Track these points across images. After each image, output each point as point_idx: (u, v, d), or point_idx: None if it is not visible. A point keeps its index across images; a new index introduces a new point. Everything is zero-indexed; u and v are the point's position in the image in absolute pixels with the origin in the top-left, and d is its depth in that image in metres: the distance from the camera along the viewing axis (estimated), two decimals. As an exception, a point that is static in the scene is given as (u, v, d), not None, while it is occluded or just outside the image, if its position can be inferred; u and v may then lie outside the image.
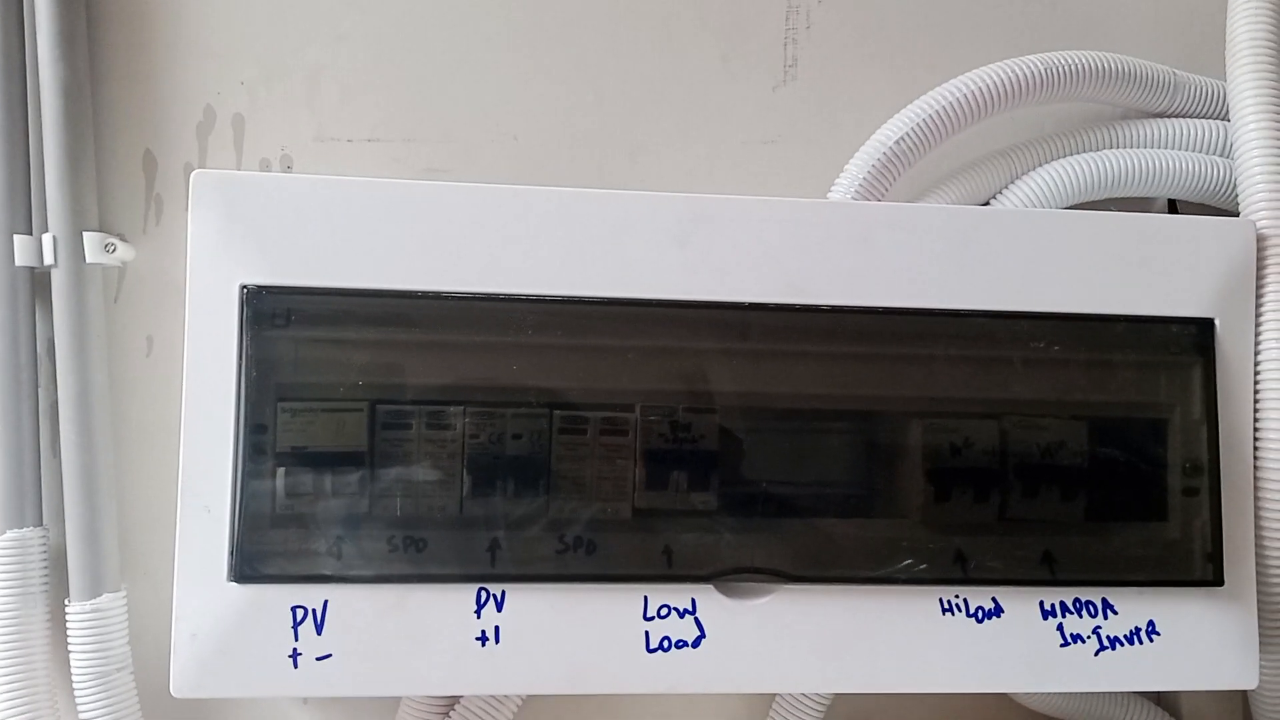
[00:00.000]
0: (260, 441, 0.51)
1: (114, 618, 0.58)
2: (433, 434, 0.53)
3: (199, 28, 0.63)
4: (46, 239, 0.58)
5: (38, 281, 0.59)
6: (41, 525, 0.59)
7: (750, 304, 0.55)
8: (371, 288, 0.52)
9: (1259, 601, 0.57)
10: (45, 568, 0.58)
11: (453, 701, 0.59)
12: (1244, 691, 0.63)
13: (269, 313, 0.52)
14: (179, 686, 0.51)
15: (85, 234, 0.58)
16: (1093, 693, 0.63)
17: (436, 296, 0.53)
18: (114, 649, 0.58)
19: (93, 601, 0.57)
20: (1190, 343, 0.57)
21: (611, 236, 0.54)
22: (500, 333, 0.54)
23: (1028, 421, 0.56)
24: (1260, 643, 0.57)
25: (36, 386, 0.59)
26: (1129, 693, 0.64)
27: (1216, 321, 0.57)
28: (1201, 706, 0.66)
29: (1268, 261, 0.58)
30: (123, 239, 0.61)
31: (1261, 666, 0.58)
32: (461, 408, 0.53)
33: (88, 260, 0.58)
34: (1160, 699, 0.67)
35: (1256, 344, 0.58)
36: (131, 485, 0.61)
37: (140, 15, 0.62)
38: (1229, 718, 0.66)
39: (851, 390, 0.56)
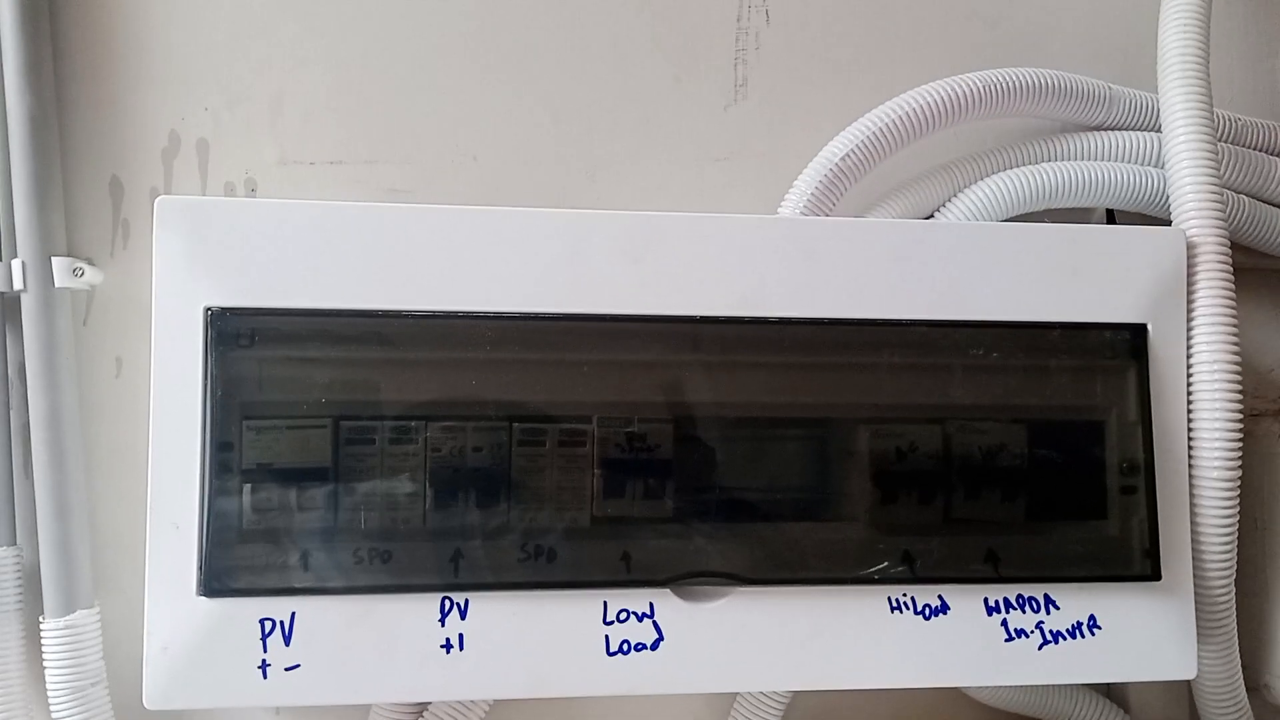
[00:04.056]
0: (226, 459, 0.53)
1: (88, 633, 0.59)
2: (396, 449, 0.54)
3: (162, 55, 0.64)
4: (16, 264, 0.59)
5: (8, 306, 0.61)
6: (15, 545, 0.60)
7: (702, 317, 0.57)
8: (334, 308, 0.54)
9: (1196, 595, 0.59)
10: (20, 586, 0.60)
11: (421, 708, 0.61)
12: (1188, 683, 0.65)
13: (233, 333, 0.53)
14: (151, 698, 0.52)
15: (54, 259, 0.60)
16: (1042, 686, 0.65)
17: (397, 315, 0.54)
18: (88, 664, 0.59)
19: (67, 618, 0.59)
20: (1124, 347, 0.60)
21: (568, 254, 0.56)
22: (460, 349, 0.55)
23: (970, 426, 0.58)
24: (1199, 634, 0.59)
25: (8, 409, 0.61)
26: (1078, 686, 0.67)
27: (1149, 326, 0.60)
28: (1149, 698, 0.68)
29: (1197, 268, 0.61)
30: (91, 263, 0.62)
31: (1201, 657, 0.60)
32: (423, 422, 0.55)
33: (56, 284, 0.60)
34: (1110, 691, 0.69)
35: (1189, 347, 0.60)
36: (103, 504, 0.62)
37: (104, 44, 0.64)
38: (1175, 709, 0.68)
39: (801, 399, 0.58)
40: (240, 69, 0.65)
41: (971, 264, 0.59)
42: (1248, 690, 0.64)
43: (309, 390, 0.54)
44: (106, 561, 0.62)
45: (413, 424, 0.54)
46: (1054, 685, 0.66)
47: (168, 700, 0.52)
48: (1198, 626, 0.59)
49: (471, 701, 0.60)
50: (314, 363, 0.54)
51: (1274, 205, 0.69)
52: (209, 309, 0.53)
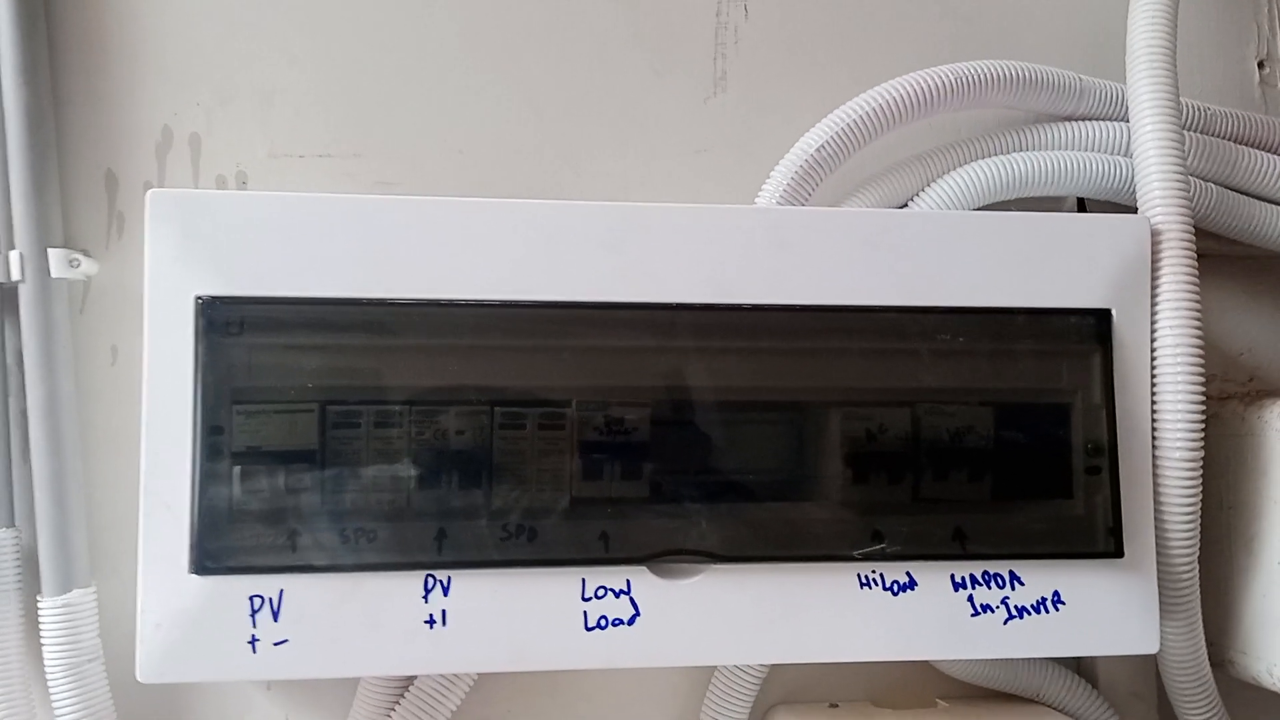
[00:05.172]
0: (217, 442, 0.55)
1: (84, 612, 0.61)
2: (380, 432, 0.56)
3: (155, 52, 0.66)
4: (14, 256, 0.61)
5: (6, 296, 0.62)
6: (14, 526, 0.62)
7: (677, 304, 0.58)
8: (320, 296, 0.56)
9: (1159, 572, 0.61)
10: (18, 566, 0.61)
11: (408, 682, 0.62)
12: (1155, 658, 0.66)
13: (223, 321, 0.55)
14: (145, 673, 0.54)
15: (50, 250, 0.62)
16: (1010, 660, 0.67)
17: (382, 304, 0.56)
18: (84, 641, 0.61)
19: (63, 597, 0.61)
20: (1089, 332, 0.61)
21: (548, 244, 0.58)
22: (443, 336, 0.57)
23: (939, 409, 0.60)
24: (1162, 610, 0.61)
25: (7, 395, 0.62)
26: (1046, 660, 0.68)
27: (1114, 312, 0.61)
28: (1116, 673, 0.70)
29: (1162, 255, 0.62)
30: (87, 254, 0.64)
31: (1166, 633, 0.62)
32: (408, 407, 0.56)
33: (53, 275, 0.62)
34: (1079, 666, 0.71)
35: (1153, 332, 0.62)
36: (99, 487, 0.64)
37: (99, 41, 0.66)
38: (1143, 684, 0.70)
39: (773, 383, 0.60)
40: (231, 65, 0.67)
41: (941, 251, 0.60)
42: (1212, 665, 0.66)
43: (296, 376, 0.56)
44: (102, 542, 0.64)
45: (397, 408, 0.56)
46: (1022, 660, 0.67)
47: (161, 674, 0.54)
48: (1161, 602, 0.61)
49: (456, 676, 0.62)
50: (301, 349, 0.56)
51: (1243, 193, 0.71)
52: (199, 298, 0.55)
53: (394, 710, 0.62)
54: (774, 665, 0.67)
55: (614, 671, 0.67)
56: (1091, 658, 0.70)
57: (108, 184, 0.66)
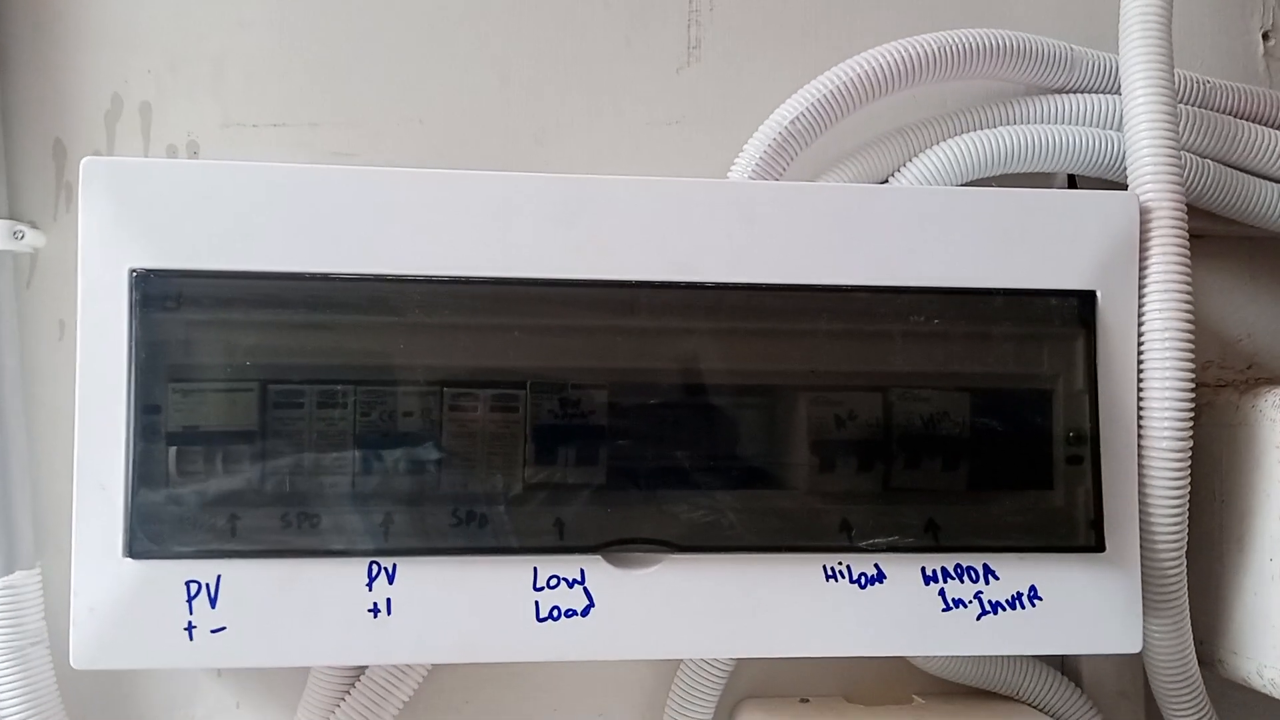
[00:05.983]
0: (153, 422, 0.53)
1: (28, 594, 0.60)
2: (324, 413, 0.54)
3: (104, 17, 0.64)
4: (-45, 227, 0.59)
5: (-52, 269, 0.60)
6: (-44, 506, 0.60)
7: (636, 282, 0.56)
8: (261, 270, 0.53)
9: (1145, 568, 0.58)
10: (-39, 547, 0.60)
11: (360, 671, 0.61)
12: (1141, 656, 0.64)
13: (158, 296, 0.53)
14: (78, 659, 0.52)
15: (-6, 222, 0.60)
16: (989, 657, 0.65)
17: (325, 278, 0.54)
18: (28, 624, 0.59)
19: (6, 579, 0.59)
20: (1072, 315, 0.58)
21: (502, 217, 0.55)
22: (391, 313, 0.55)
23: (913, 394, 0.57)
24: (1148, 608, 0.58)
25: (-50, 372, 0.61)
26: (1028, 658, 0.66)
27: (1099, 294, 0.58)
28: (1102, 672, 0.67)
29: (1151, 234, 0.59)
30: (34, 226, 0.62)
31: (1151, 631, 0.59)
32: (352, 386, 0.54)
33: (-3, 247, 0.60)
34: (1063, 664, 0.68)
35: (1140, 315, 0.59)
36: (45, 466, 0.62)
37: (46, 6, 0.63)
38: (1129, 683, 0.67)
39: (737, 365, 0.57)
40: (182, 31, 0.64)
41: (917, 229, 0.57)
42: (1201, 665, 0.63)
43: (236, 353, 0.54)
44: (48, 523, 0.62)
45: (341, 388, 0.54)
46: (1001, 657, 0.65)
47: (94, 661, 0.52)
48: (1147, 599, 0.58)
49: (408, 665, 0.60)
50: (241, 325, 0.54)
51: (1243, 171, 0.68)
52: (134, 271, 0.53)
53: (345, 699, 0.60)
54: (739, 658, 0.64)
55: (575, 663, 0.65)
56: (1076, 655, 0.67)
57: (55, 154, 0.63)
